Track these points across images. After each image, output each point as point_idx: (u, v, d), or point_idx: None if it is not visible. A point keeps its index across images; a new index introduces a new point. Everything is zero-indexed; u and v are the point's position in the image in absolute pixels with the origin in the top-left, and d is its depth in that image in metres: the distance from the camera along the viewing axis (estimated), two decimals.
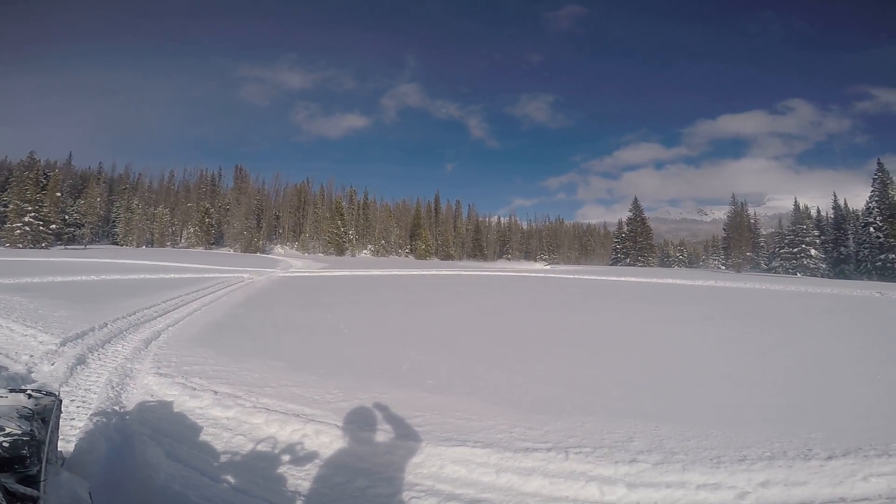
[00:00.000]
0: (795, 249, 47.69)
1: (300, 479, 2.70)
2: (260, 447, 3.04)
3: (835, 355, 6.19)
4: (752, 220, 64.33)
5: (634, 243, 69.29)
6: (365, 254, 67.21)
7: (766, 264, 54.45)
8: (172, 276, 15.13)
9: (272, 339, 6.18)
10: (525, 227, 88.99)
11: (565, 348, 6.29)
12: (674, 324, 8.86)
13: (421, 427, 3.26)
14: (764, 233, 66.59)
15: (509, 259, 75.50)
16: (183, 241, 64.01)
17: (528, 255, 78.88)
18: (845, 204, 53.28)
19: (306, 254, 60.57)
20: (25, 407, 1.45)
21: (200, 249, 57.65)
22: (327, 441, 3.10)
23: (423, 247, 68.88)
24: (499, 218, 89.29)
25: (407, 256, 69.53)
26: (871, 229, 41.82)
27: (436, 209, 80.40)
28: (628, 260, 67.74)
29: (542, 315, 9.87)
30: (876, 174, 43.59)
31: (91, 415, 3.21)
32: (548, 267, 50.83)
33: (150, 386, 4.07)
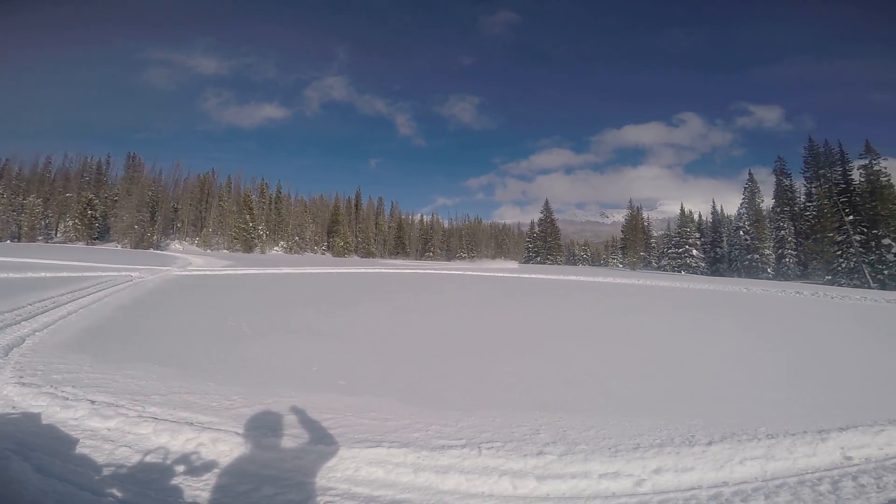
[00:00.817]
0: (680, 250, 54.31)
1: (198, 489, 2.56)
2: (149, 458, 2.86)
3: (710, 346, 7.00)
4: (645, 223, 71.88)
5: (545, 243, 73.99)
6: (276, 251, 63.78)
7: (656, 263, 61.35)
8: (43, 274, 13.20)
9: (162, 343, 5.74)
10: (446, 225, 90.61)
11: (477, 344, 6.53)
12: (575, 318, 9.75)
13: (333, 429, 3.22)
14: (655, 235, 74.52)
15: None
16: (59, 235, 55.75)
17: (449, 254, 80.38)
18: (722, 210, 61.58)
19: (209, 250, 56.00)
20: None
21: (81, 245, 50.58)
22: (227, 449, 2.96)
23: (342, 244, 67.10)
24: (422, 216, 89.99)
25: (324, 253, 67.23)
26: (741, 233, 48.71)
27: (356, 205, 78.75)
28: (539, 258, 72.09)
29: (457, 312, 10.19)
30: (747, 183, 50.64)
31: None
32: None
33: (10, 397, 3.63)
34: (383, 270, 26.41)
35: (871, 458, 3.20)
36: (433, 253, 77.90)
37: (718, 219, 60.37)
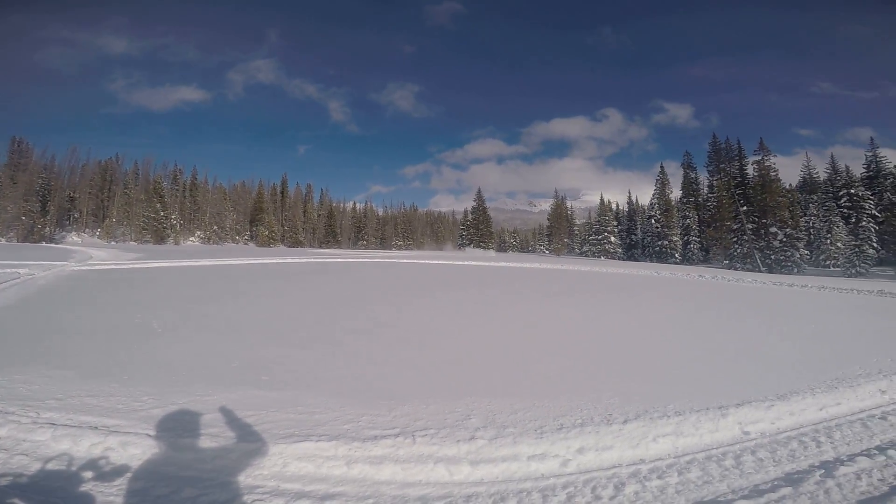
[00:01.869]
0: (600, 237, 58.32)
1: (111, 494, 2.43)
2: (51, 466, 2.69)
3: (626, 327, 7.44)
4: (569, 212, 76.35)
5: (477, 230, 75.71)
6: (192, 241, 59.27)
7: (578, 249, 65.53)
8: None
9: (57, 345, 5.26)
10: (381, 213, 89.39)
11: (406, 333, 6.58)
12: (498, 305, 10.21)
13: (257, 426, 3.15)
14: (578, 223, 79.32)
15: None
16: None
17: (384, 242, 79.54)
18: (636, 200, 67.50)
19: (113, 242, 50.84)
20: None
21: None
22: (138, 453, 2.82)
23: (266, 233, 63.85)
24: (354, 204, 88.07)
25: (247, 244, 63.59)
26: (653, 221, 53.04)
27: (283, 192, 75.11)
28: (472, 245, 73.77)
29: (390, 301, 10.21)
30: (658, 176, 54.91)
31: None
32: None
33: None
34: (312, 260, 25.63)
35: (765, 433, 3.45)
36: (366, 241, 76.68)
37: (633, 208, 65.74)
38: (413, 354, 5.33)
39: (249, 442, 2.94)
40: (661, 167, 55.92)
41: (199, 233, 61.19)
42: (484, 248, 72.71)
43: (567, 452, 2.98)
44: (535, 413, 3.52)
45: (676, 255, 49.52)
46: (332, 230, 74.27)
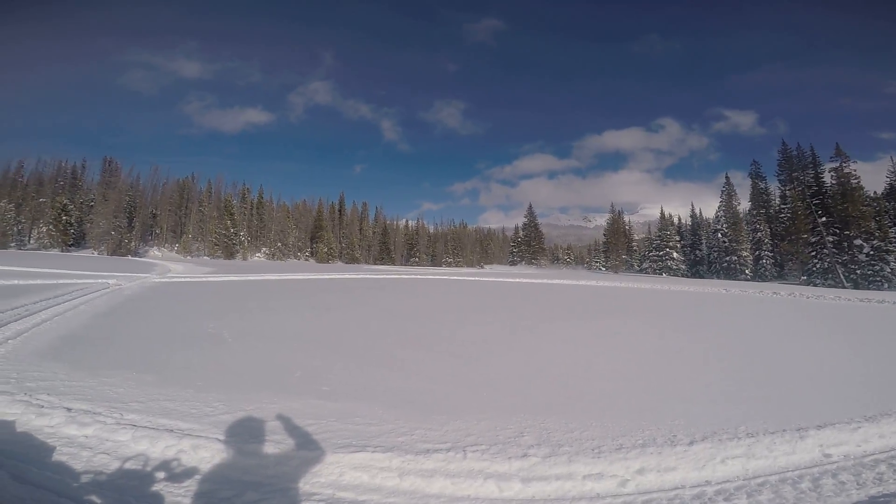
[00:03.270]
0: (661, 253, 55.41)
1: (179, 495, 2.54)
2: (129, 465, 2.83)
3: (692, 347, 7.10)
4: (627, 227, 73.33)
5: (529, 247, 74.72)
6: (258, 257, 62.97)
7: (638, 266, 62.43)
8: (16, 282, 12.82)
9: (140, 350, 5.66)
10: (431, 230, 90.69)
11: (459, 348, 6.54)
12: (555, 321, 9.86)
13: (317, 435, 3.20)
14: (636, 238, 75.91)
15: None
16: (33, 241, 54.04)
17: (435, 259, 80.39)
18: (700, 213, 62.85)
19: (189, 257, 54.97)
20: None
21: (56, 252, 49.13)
22: (208, 456, 2.94)
23: (326, 249, 66.61)
24: (406, 221, 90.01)
25: (307, 260, 66.59)
26: (719, 235, 49.83)
27: (340, 210, 78.31)
28: (523, 262, 72.70)
29: (444, 317, 10.24)
30: (724, 187, 51.93)
31: None
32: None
33: None
34: (369, 276, 26.31)
35: (849, 456, 3.23)
36: (418, 258, 77.82)
37: (697, 222, 61.69)
38: (466, 370, 5.30)
39: (309, 450, 2.99)
40: (727, 177, 52.86)
41: (264, 249, 64.97)
42: (536, 264, 71.40)
43: (626, 472, 2.88)
44: (593, 433, 3.41)
45: (747, 272, 45.97)
46: (385, 247, 76.11)
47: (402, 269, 48.46)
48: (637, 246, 70.66)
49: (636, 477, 2.86)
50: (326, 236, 68.44)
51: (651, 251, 57.78)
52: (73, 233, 53.78)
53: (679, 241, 57.54)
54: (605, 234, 72.79)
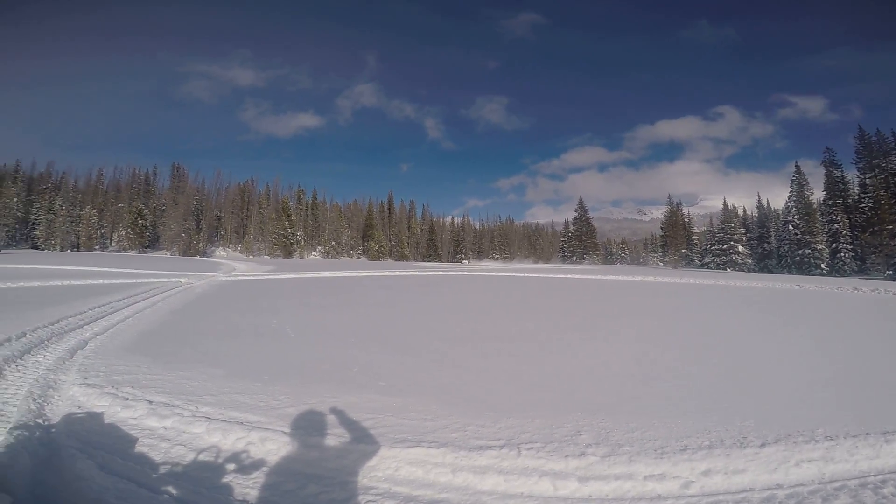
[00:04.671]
0: (725, 246, 51.86)
1: (247, 487, 2.62)
2: (202, 457, 2.94)
3: (762, 345, 6.65)
4: (686, 220, 69.15)
5: (580, 242, 72.50)
6: (314, 255, 65.57)
7: (699, 260, 58.62)
8: (101, 281, 14.09)
9: (212, 345, 5.95)
10: (477, 227, 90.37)
11: (512, 344, 6.43)
12: (617, 319, 9.45)
13: (374, 429, 3.24)
14: (697, 231, 71.30)
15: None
16: (114, 244, 59.58)
17: (481, 255, 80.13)
18: (768, 204, 58.21)
19: (251, 256, 58.23)
20: None
21: (133, 253, 53.85)
22: (274, 448, 3.02)
23: (376, 247, 68.25)
24: (452, 218, 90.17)
25: (359, 258, 68.55)
26: (790, 227, 46.03)
27: (389, 209, 79.85)
28: (574, 258, 70.64)
29: (495, 313, 10.11)
30: (794, 176, 48.01)
31: (10, 429, 3.01)
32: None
33: (76, 397, 3.83)
34: (417, 273, 26.58)
35: None
36: (464, 255, 77.85)
37: (765, 213, 57.08)
38: (517, 367, 5.21)
39: (367, 444, 3.03)
40: (797, 166, 48.74)
41: (319, 248, 67.65)
42: (589, 260, 69.19)
43: (691, 474, 2.77)
44: (655, 433, 3.26)
45: (822, 266, 42.10)
46: (433, 244, 76.78)
47: (448, 265, 48.60)
48: (698, 239, 66.37)
49: (701, 479, 2.75)
50: (377, 235, 70.09)
51: (714, 245, 54.11)
52: (149, 235, 58.71)
53: (745, 233, 53.53)
54: (662, 228, 69.16)
